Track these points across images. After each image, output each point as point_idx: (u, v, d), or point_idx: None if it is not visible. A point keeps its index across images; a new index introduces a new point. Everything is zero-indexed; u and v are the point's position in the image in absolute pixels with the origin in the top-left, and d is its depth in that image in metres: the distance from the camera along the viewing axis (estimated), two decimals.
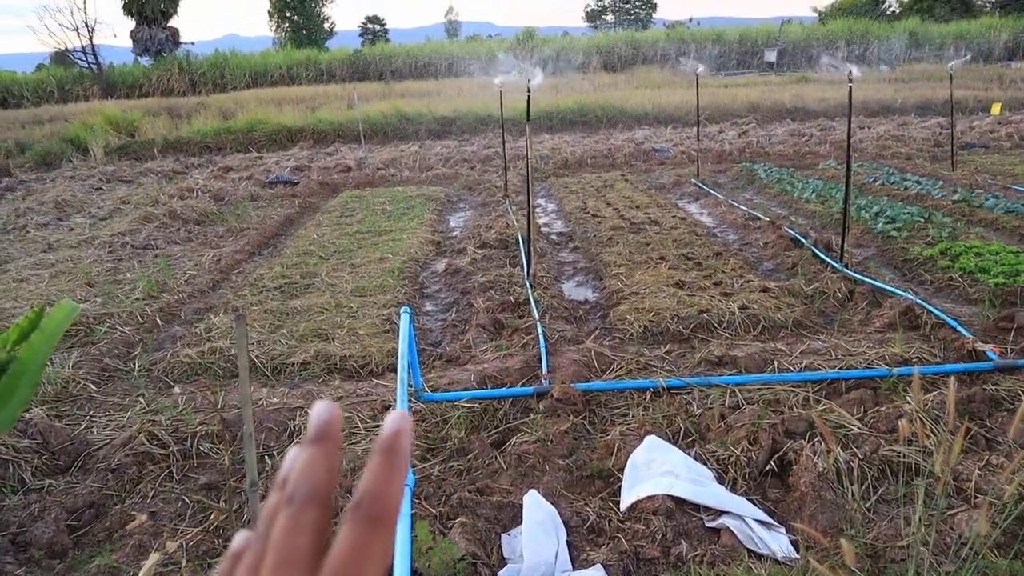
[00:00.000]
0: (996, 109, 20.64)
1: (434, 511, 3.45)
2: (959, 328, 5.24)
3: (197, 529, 3.49)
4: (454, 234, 9.72)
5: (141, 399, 4.86)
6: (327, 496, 0.41)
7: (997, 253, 6.92)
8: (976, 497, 3.36)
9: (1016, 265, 6.52)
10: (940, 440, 3.44)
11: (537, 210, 10.87)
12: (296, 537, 0.39)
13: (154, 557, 1.93)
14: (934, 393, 4.31)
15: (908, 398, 4.23)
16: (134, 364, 5.61)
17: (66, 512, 3.64)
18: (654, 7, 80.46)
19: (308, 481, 0.41)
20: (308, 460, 0.42)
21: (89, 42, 38.42)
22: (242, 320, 1.70)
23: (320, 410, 0.44)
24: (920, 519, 2.76)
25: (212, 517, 3.48)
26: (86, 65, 38.91)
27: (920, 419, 3.93)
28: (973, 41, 41.44)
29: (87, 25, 38.21)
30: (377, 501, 0.40)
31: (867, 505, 3.45)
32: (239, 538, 0.46)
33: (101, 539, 3.51)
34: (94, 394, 5.09)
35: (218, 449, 4.20)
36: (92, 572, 3.25)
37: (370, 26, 70.50)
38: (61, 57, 40.74)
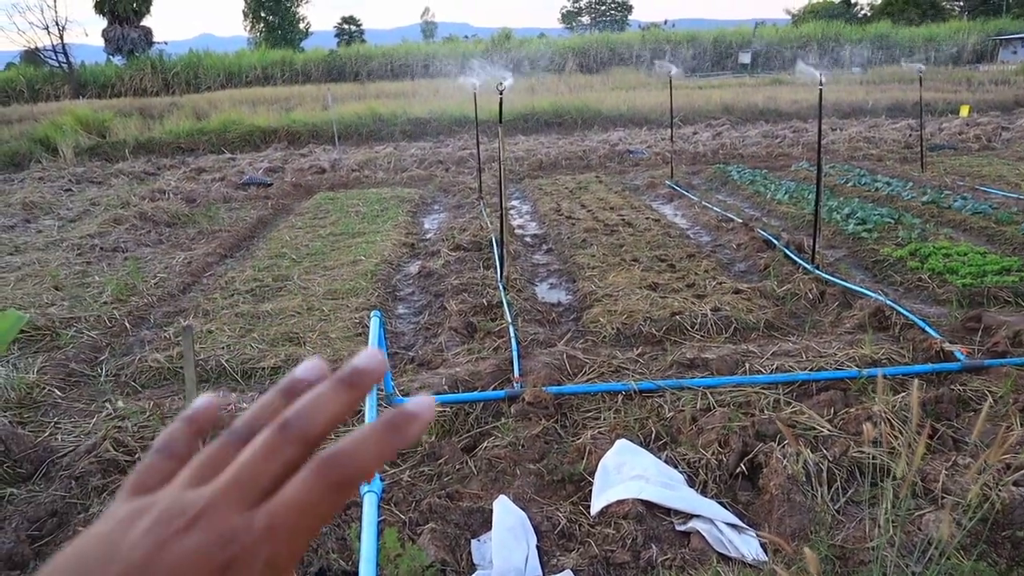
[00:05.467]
0: (964, 111, 20.94)
1: (403, 517, 3.43)
2: (928, 329, 5.28)
3: None
4: (428, 236, 9.69)
5: (107, 405, 4.78)
6: (318, 440, 0.39)
7: (965, 254, 7.00)
8: (943, 498, 3.39)
9: (983, 266, 6.59)
10: (907, 441, 3.46)
11: (511, 212, 10.86)
12: (267, 463, 0.38)
13: None
14: (903, 394, 4.34)
15: (876, 399, 4.25)
16: (101, 369, 5.53)
17: (27, 521, 3.57)
18: (630, 9, 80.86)
19: (311, 417, 0.39)
20: (325, 397, 0.40)
21: (60, 41, 38.00)
22: (189, 333, 1.66)
23: (368, 357, 0.41)
24: (888, 520, 2.77)
25: None
26: (57, 64, 38.47)
27: (888, 420, 3.96)
28: (942, 44, 42.00)
29: (58, 24, 37.85)
30: (350, 466, 0.37)
31: (836, 507, 3.46)
32: (202, 401, 0.45)
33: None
34: (59, 400, 5.01)
35: None
36: None
37: (346, 27, 70.22)
38: (31, 56, 40.23)
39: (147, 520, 0.37)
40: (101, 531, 0.37)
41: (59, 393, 5.09)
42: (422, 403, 0.41)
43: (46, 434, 4.47)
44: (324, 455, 0.37)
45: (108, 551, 0.35)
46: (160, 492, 0.39)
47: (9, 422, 4.40)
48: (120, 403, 4.73)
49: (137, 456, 4.08)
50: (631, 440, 3.97)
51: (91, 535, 0.36)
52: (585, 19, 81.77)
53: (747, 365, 4.96)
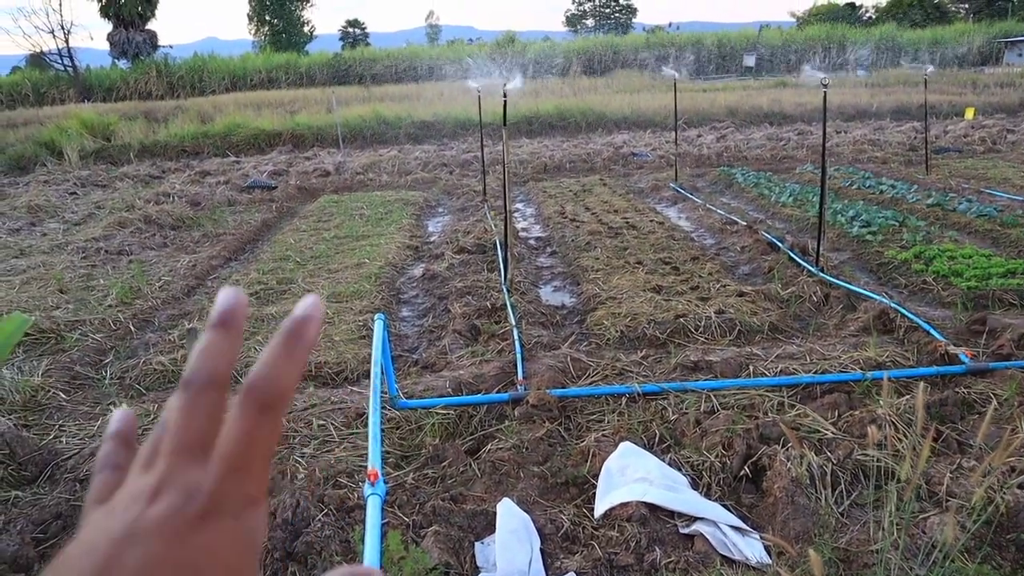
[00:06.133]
0: (969, 113, 20.90)
1: (407, 520, 3.43)
2: (932, 331, 5.27)
3: None
4: (432, 239, 9.69)
5: (112, 407, 4.79)
6: (225, 381, 0.41)
7: (970, 257, 6.99)
8: (948, 500, 3.38)
9: (988, 268, 6.58)
10: (911, 444, 3.45)
11: (516, 215, 10.87)
12: (193, 420, 0.40)
13: None
14: (907, 397, 4.33)
15: (880, 402, 4.24)
16: (105, 372, 5.54)
17: (32, 524, 3.58)
18: (634, 12, 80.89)
19: (207, 366, 0.41)
20: (209, 344, 0.41)
21: (65, 45, 38.14)
22: (193, 336, 1.67)
23: (226, 295, 0.43)
24: (892, 523, 2.77)
25: None
26: (62, 68, 38.60)
27: (893, 423, 3.96)
28: (947, 46, 41.95)
29: (63, 27, 37.98)
30: (270, 387, 0.40)
31: (840, 510, 3.45)
32: (118, 415, 0.48)
33: None
34: (64, 403, 5.02)
35: None
36: None
37: (350, 30, 70.35)
38: (37, 60, 40.37)
39: (117, 510, 0.39)
40: (79, 537, 0.39)
41: (64, 396, 5.10)
42: (308, 304, 0.43)
43: (51, 437, 4.48)
44: (245, 386, 0.40)
45: (91, 542, 0.38)
46: (118, 492, 0.41)
47: (14, 425, 4.41)
48: (124, 406, 4.74)
49: None
50: (635, 443, 3.97)
51: (70, 545, 0.38)
52: (589, 22, 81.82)
53: (751, 368, 4.95)
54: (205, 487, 0.38)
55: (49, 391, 5.12)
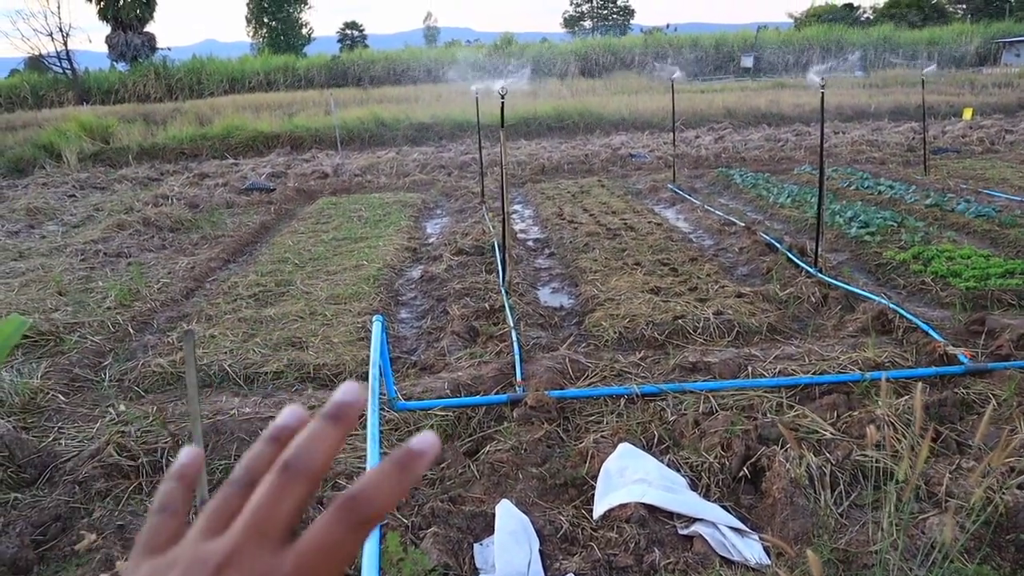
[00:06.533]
0: (967, 114, 20.93)
1: (406, 521, 3.43)
2: (931, 332, 5.27)
3: None
4: (430, 241, 9.70)
5: (111, 410, 4.78)
6: (321, 474, 0.41)
7: (968, 257, 6.99)
8: (947, 501, 3.38)
9: (986, 269, 6.59)
10: (910, 444, 3.45)
11: (514, 216, 10.87)
12: (280, 504, 0.39)
13: None
14: (906, 397, 4.33)
15: (879, 403, 4.25)
16: (105, 374, 5.53)
17: (31, 526, 3.57)
18: (632, 13, 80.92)
19: (309, 455, 0.40)
20: (316, 433, 0.41)
21: (64, 47, 38.12)
22: (190, 338, 1.67)
23: (347, 389, 0.43)
24: (891, 524, 2.77)
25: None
26: (60, 71, 38.58)
27: (891, 423, 3.96)
28: (945, 47, 41.99)
29: (61, 30, 37.99)
30: (371, 506, 0.39)
31: (839, 510, 3.45)
32: (185, 454, 0.47)
33: (67, 554, 3.44)
34: (63, 405, 5.01)
35: None
36: None
37: (348, 32, 70.34)
38: (35, 62, 40.35)
39: (173, 574, 0.38)
40: None
41: (63, 398, 5.10)
42: (426, 440, 0.42)
43: (50, 439, 4.47)
44: (344, 497, 0.39)
45: None
46: (176, 548, 0.41)
47: (13, 427, 4.41)
48: (122, 407, 4.74)
49: (140, 461, 4.09)
50: (633, 444, 3.97)
51: None
52: (587, 23, 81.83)
53: (750, 369, 4.95)
54: None
55: (48, 393, 5.12)
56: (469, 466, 3.95)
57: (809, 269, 6.97)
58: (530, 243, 9.24)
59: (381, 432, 3.56)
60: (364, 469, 3.32)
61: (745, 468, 3.73)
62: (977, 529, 3.02)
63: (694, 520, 3.38)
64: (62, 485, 3.94)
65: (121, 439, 4.22)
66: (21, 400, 4.95)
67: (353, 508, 0.39)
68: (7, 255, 9.38)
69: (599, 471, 3.73)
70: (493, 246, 8.42)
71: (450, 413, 4.46)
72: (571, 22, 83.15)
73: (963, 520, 3.15)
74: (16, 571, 3.33)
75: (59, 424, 4.71)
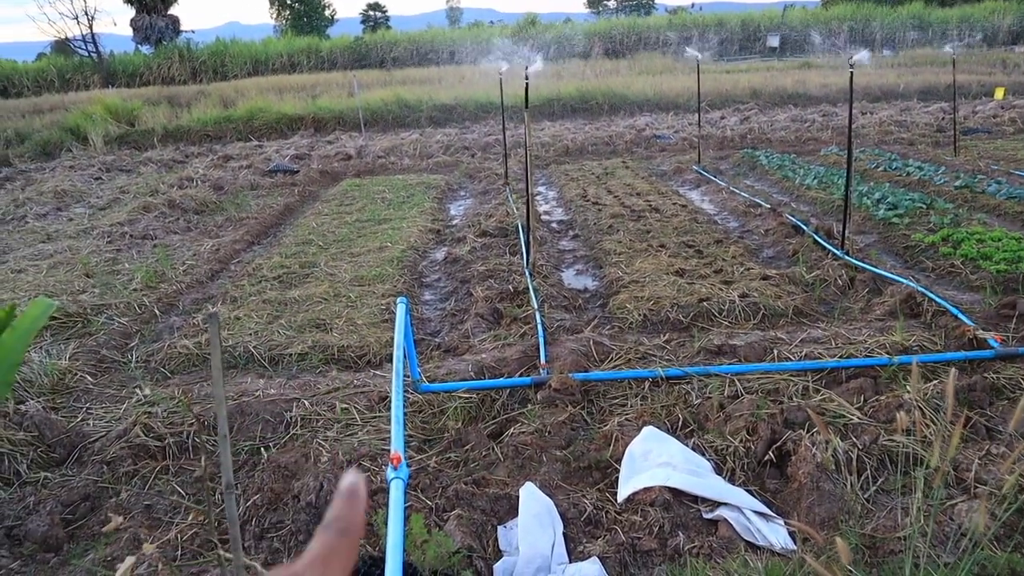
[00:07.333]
0: (999, 94, 20.50)
1: (430, 503, 3.44)
2: (960, 316, 5.19)
3: (184, 525, 3.46)
4: (454, 222, 9.69)
5: (137, 391, 4.83)
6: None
7: (999, 239, 6.87)
8: (976, 487, 3.33)
9: (1018, 251, 6.47)
10: (940, 430, 3.41)
11: (537, 198, 10.82)
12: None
13: (129, 561, 1.90)
14: (935, 382, 4.27)
15: (908, 387, 4.19)
16: (131, 355, 5.59)
17: (61, 505, 3.63)
18: None
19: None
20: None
21: (89, 31, 38.33)
22: (215, 320, 1.66)
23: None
24: (919, 510, 2.73)
25: (191, 518, 3.46)
26: (86, 54, 38.83)
27: (920, 409, 3.90)
28: (977, 25, 41.17)
29: (87, 13, 38.14)
30: (346, 521, 0.51)
31: (866, 496, 3.42)
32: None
33: (96, 532, 3.49)
34: (91, 386, 5.07)
35: (214, 441, 4.18)
36: (86, 566, 3.24)
37: (371, 13, 70.16)
38: (61, 46, 40.63)
39: None
40: None
41: (90, 379, 5.16)
42: (348, 479, 0.53)
43: (78, 419, 4.53)
44: (324, 523, 0.51)
45: None
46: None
47: (42, 408, 4.47)
48: (147, 390, 4.78)
49: (167, 442, 4.13)
50: (658, 427, 3.95)
51: None
52: (611, 3, 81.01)
53: (775, 352, 4.91)
54: None
55: (76, 374, 5.18)
56: (493, 448, 3.95)
57: (836, 251, 6.88)
58: (554, 225, 9.20)
59: (405, 414, 3.57)
60: (388, 451, 3.33)
61: (771, 452, 3.70)
62: (1009, 517, 2.97)
63: (719, 504, 3.36)
64: (90, 465, 3.99)
65: (148, 420, 4.26)
66: (50, 381, 5.01)
67: (331, 526, 0.50)
68: (35, 237, 9.49)
69: (623, 454, 3.72)
70: (517, 228, 8.40)
71: (474, 395, 4.46)
72: (595, 2, 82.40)
73: (994, 507, 3.10)
74: (47, 548, 3.39)
75: (87, 405, 4.77)
